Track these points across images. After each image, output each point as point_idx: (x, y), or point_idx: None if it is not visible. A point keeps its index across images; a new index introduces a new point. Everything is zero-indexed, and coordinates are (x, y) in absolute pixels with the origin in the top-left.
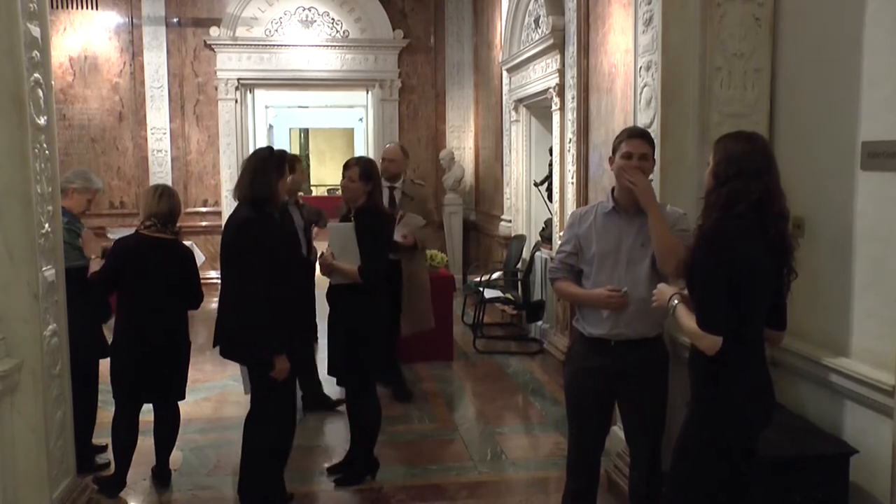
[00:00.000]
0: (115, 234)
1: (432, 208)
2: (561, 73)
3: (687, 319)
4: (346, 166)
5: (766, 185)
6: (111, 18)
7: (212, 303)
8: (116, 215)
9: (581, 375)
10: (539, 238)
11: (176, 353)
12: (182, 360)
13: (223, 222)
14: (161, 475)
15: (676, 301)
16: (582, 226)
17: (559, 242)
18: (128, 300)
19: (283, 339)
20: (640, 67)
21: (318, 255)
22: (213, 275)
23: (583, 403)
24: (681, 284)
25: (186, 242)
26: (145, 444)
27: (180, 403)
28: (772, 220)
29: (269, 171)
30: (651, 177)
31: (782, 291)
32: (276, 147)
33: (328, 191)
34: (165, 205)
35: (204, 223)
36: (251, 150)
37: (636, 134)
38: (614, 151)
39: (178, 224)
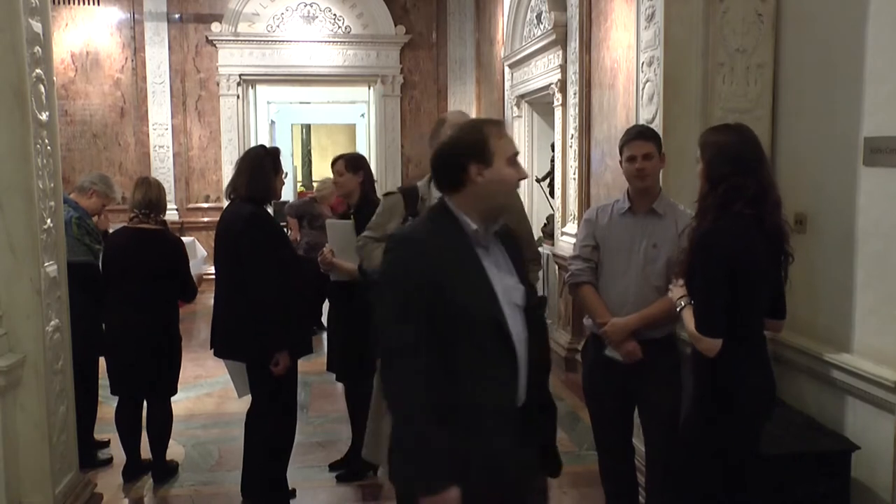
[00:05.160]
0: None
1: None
2: (563, 68)
3: (690, 322)
4: (333, 163)
5: (759, 179)
6: (113, 14)
7: (212, 299)
8: (118, 211)
9: (597, 368)
10: (541, 234)
11: (163, 348)
12: (171, 355)
13: None
14: (156, 472)
15: (683, 304)
16: (600, 221)
17: (577, 239)
18: (113, 293)
19: (287, 336)
20: (643, 63)
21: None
22: (213, 271)
23: (597, 394)
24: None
25: (188, 238)
26: (146, 439)
27: (182, 399)
28: (768, 213)
29: (267, 169)
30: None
31: (781, 280)
32: (277, 143)
33: None
34: (140, 194)
35: (206, 219)
36: (252, 146)
37: (636, 135)
38: (621, 153)
39: (164, 215)
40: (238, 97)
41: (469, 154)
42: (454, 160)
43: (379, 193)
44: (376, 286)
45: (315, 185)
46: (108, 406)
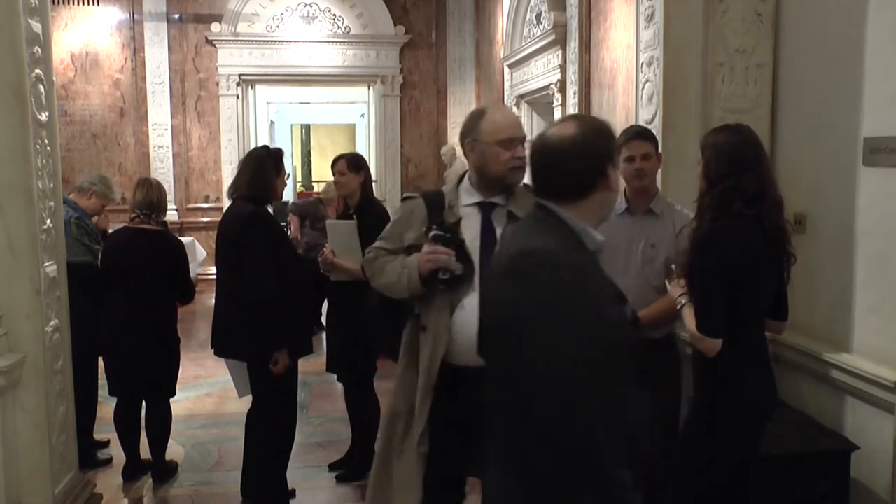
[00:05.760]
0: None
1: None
2: (562, 68)
3: (691, 321)
4: (334, 163)
5: (758, 178)
6: (112, 14)
7: (212, 299)
8: (118, 211)
9: None
10: None
11: (162, 348)
12: (170, 356)
13: None
14: (155, 472)
15: (683, 302)
16: None
17: None
18: (113, 294)
19: (286, 335)
20: (642, 63)
21: None
22: (213, 271)
23: None
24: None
25: (187, 239)
26: (145, 440)
27: (182, 399)
28: (767, 212)
29: (268, 169)
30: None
31: (782, 280)
32: (277, 143)
33: None
34: (141, 194)
35: (205, 219)
36: (253, 147)
37: (634, 134)
38: (618, 154)
39: (165, 216)
40: (238, 97)
41: (609, 155)
42: (597, 162)
43: (377, 193)
44: (522, 320)
45: (317, 185)
46: (107, 406)
